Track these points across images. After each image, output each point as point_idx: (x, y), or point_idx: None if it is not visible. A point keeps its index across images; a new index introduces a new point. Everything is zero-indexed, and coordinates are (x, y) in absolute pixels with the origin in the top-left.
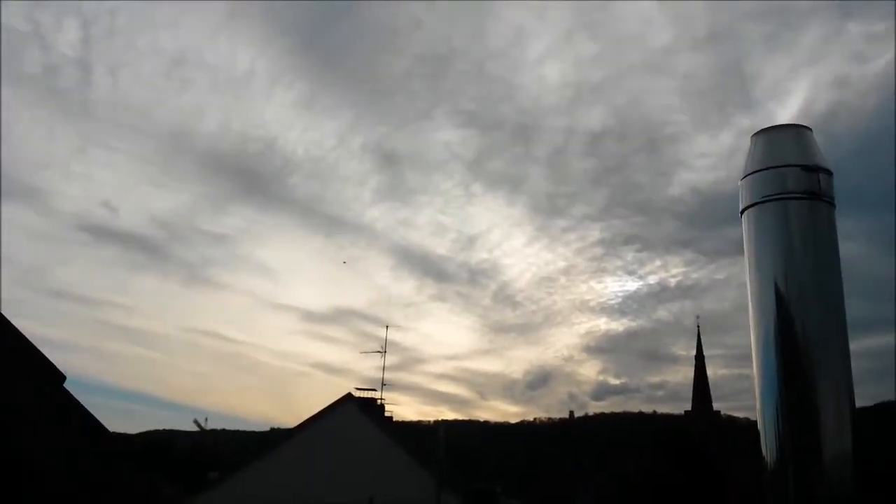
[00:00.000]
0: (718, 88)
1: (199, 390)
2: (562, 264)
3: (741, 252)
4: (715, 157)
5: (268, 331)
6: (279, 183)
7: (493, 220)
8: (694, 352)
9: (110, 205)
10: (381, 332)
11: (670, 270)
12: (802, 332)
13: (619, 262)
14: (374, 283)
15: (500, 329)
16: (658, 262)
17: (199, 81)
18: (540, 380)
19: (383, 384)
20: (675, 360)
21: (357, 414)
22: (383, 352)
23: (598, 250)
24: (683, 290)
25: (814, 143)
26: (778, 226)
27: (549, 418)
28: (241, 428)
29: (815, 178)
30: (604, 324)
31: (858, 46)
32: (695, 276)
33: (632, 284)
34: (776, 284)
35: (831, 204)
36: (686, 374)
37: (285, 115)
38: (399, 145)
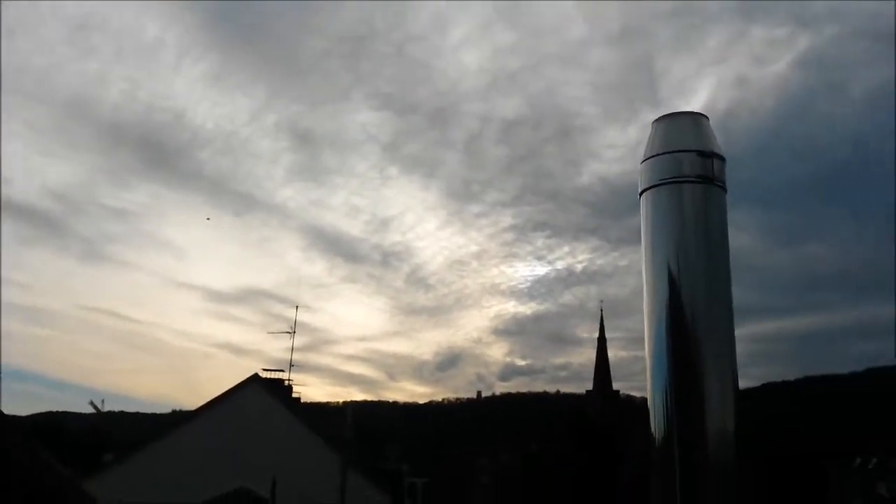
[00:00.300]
0: (628, 83)
1: (97, 371)
2: (474, 248)
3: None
4: (622, 148)
5: (171, 311)
6: (187, 157)
7: (407, 203)
8: (597, 334)
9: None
10: (291, 313)
11: (577, 256)
12: (692, 316)
13: (529, 248)
14: (284, 263)
15: (412, 311)
16: (566, 248)
17: (103, 49)
18: (449, 361)
19: (291, 365)
20: (579, 342)
21: (263, 395)
22: (292, 332)
23: (510, 236)
24: (589, 276)
25: (709, 130)
26: (673, 208)
27: (458, 399)
28: (142, 410)
29: (709, 163)
30: (512, 307)
31: (760, 49)
32: (600, 262)
33: (541, 269)
34: (669, 267)
35: (723, 189)
36: (589, 355)
37: (195, 87)
38: (314, 125)
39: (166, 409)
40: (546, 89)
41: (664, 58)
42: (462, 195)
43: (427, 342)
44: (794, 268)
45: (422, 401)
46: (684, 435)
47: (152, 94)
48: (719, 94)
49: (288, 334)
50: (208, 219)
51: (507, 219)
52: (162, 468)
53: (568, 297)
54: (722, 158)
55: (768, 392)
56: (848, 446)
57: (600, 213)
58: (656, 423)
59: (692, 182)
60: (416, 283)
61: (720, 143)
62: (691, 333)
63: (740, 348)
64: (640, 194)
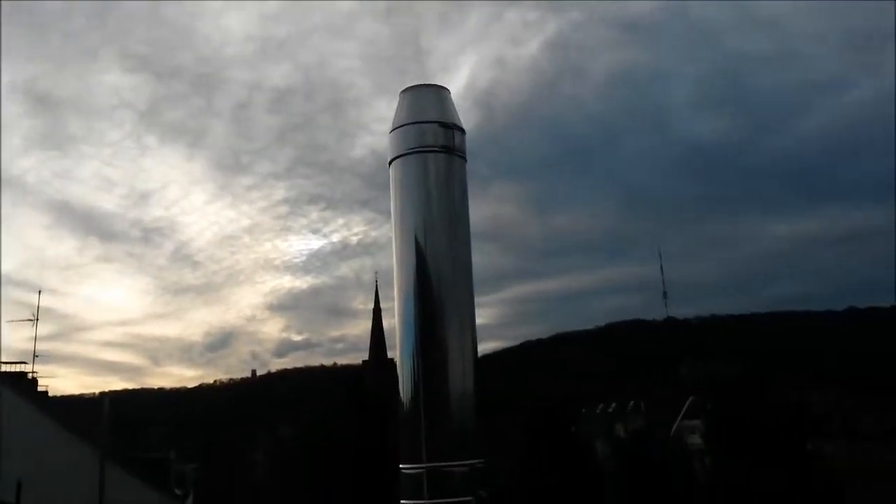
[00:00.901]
0: (398, 57)
1: None
2: (245, 223)
3: None
4: (391, 122)
5: None
6: None
7: (170, 175)
8: (372, 305)
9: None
10: (34, 299)
11: (353, 229)
12: (437, 284)
13: (304, 221)
14: (24, 243)
15: (178, 290)
16: (341, 221)
17: None
18: (220, 341)
19: (35, 356)
20: (355, 314)
21: (2, 391)
22: (35, 320)
23: (283, 209)
24: (364, 248)
25: (450, 103)
26: (419, 177)
27: (231, 379)
28: None
29: (450, 134)
30: (288, 282)
31: (515, 31)
32: (374, 234)
33: (316, 243)
34: (416, 236)
35: (464, 159)
36: (365, 326)
37: None
38: (56, 87)
39: None
40: (317, 60)
41: (430, 34)
42: (231, 167)
43: (196, 323)
44: (549, 233)
45: (191, 384)
46: (429, 397)
47: None
48: (480, 72)
49: (30, 322)
50: None
51: (279, 191)
52: None
53: (344, 270)
54: (462, 130)
55: (528, 348)
56: (593, 393)
57: (374, 186)
58: (404, 387)
59: (436, 152)
60: (183, 260)
61: (477, 118)
62: (437, 301)
63: (502, 310)
64: (390, 163)
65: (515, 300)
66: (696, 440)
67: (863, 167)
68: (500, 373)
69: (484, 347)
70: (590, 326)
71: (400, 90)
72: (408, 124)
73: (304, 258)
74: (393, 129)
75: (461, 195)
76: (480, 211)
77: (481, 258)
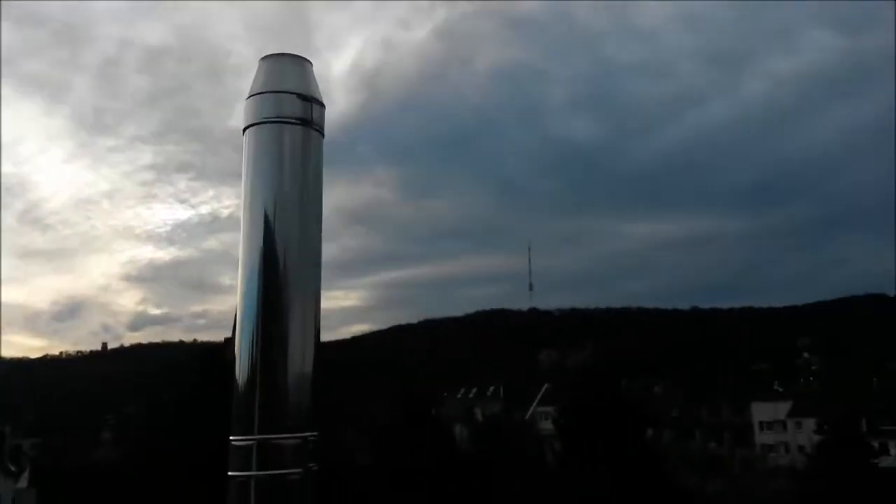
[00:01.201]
0: (284, 28)
1: None
2: (105, 187)
3: None
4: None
5: None
6: None
7: (25, 128)
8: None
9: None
10: None
11: (223, 201)
12: (283, 262)
13: (170, 190)
14: None
15: (25, 254)
16: (211, 192)
17: None
18: (70, 311)
19: None
20: (221, 289)
21: None
22: None
23: (149, 175)
24: (235, 221)
25: (312, 76)
26: (273, 149)
27: (79, 352)
28: None
29: (309, 107)
30: (149, 252)
31: (405, 14)
32: None
33: (183, 213)
34: (265, 211)
35: (321, 134)
36: (232, 303)
37: None
38: None
39: None
40: (195, 22)
41: (319, 9)
42: (93, 126)
43: (43, 289)
44: (423, 219)
45: (35, 355)
46: (265, 372)
47: None
48: (368, 52)
49: None
50: None
51: (146, 156)
52: None
53: (212, 243)
54: (322, 104)
55: (396, 332)
56: (457, 378)
57: None
58: (241, 367)
59: (292, 124)
60: (33, 222)
61: (362, 98)
62: (281, 279)
63: (373, 293)
64: (244, 131)
65: (387, 284)
66: (548, 426)
67: (714, 179)
68: (368, 355)
69: (353, 330)
70: (458, 314)
71: (260, 57)
72: (265, 92)
73: (168, 228)
74: (249, 97)
75: (316, 172)
76: (359, 193)
77: (355, 241)
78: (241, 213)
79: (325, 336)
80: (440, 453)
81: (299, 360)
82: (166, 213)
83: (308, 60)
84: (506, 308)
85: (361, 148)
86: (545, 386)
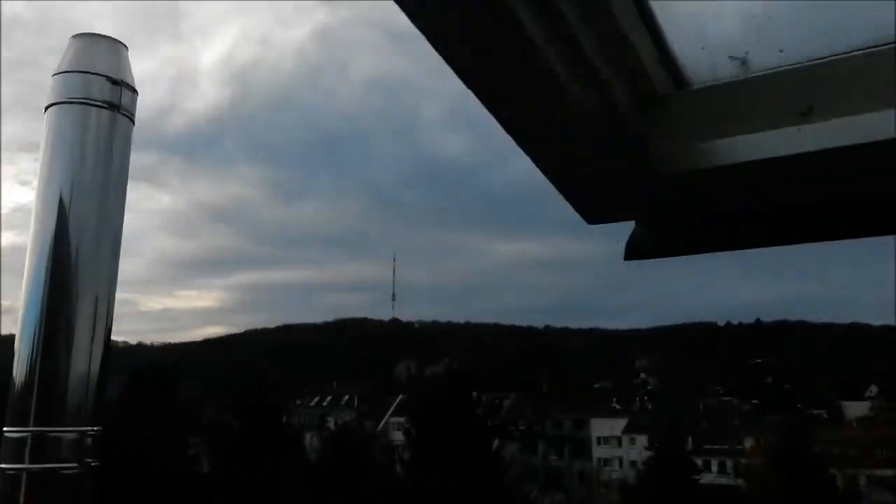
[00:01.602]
0: (151, 12)
1: None
2: None
3: None
4: (147, 75)
5: None
6: None
7: None
8: None
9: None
10: None
11: None
12: (76, 249)
13: (12, 171)
14: None
15: None
16: None
17: None
18: None
19: None
20: None
21: None
22: None
23: None
24: None
25: (126, 60)
26: (76, 131)
27: None
28: None
29: (118, 91)
30: None
31: (284, 12)
32: None
33: (25, 196)
34: (62, 198)
35: (132, 121)
36: None
37: None
38: None
39: None
40: None
41: None
42: None
43: None
44: (289, 223)
45: None
46: (45, 365)
47: None
48: (242, 47)
49: None
50: None
51: None
52: None
53: None
54: (134, 91)
55: (252, 336)
56: (311, 386)
57: None
58: (19, 360)
59: (100, 107)
60: None
61: (231, 93)
62: (73, 276)
63: (230, 295)
64: (46, 109)
65: (245, 286)
66: (400, 436)
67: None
68: (221, 358)
69: (206, 332)
70: (318, 321)
71: (71, 35)
72: (73, 71)
73: (6, 212)
74: (56, 73)
75: (122, 159)
76: (223, 190)
77: (216, 240)
78: (34, 197)
79: (175, 336)
80: (289, 461)
81: (84, 354)
82: (5, 195)
83: (124, 45)
84: (367, 317)
85: (228, 144)
86: (400, 396)
